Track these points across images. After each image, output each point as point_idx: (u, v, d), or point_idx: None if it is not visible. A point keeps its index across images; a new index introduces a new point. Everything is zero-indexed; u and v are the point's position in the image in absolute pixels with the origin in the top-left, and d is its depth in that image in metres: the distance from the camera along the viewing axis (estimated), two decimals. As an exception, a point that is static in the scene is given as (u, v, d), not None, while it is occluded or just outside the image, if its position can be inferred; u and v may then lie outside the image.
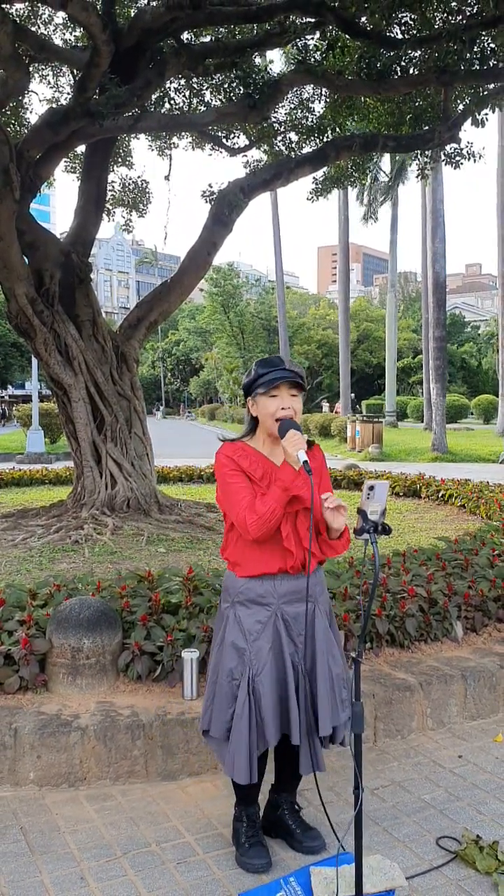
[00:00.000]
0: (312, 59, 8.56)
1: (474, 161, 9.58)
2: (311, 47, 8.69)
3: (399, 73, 8.40)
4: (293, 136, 10.50)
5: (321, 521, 2.78)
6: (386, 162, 32.30)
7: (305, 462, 2.56)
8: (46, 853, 2.90)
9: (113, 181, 11.33)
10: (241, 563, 2.76)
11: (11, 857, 2.87)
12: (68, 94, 10.58)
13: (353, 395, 45.66)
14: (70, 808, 3.22)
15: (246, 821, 2.88)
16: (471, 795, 3.34)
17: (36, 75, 10.60)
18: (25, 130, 9.94)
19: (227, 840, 2.95)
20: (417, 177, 11.56)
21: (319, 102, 10.25)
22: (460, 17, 8.19)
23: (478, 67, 8.03)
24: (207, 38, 9.40)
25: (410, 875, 2.72)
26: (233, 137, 10.86)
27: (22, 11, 9.68)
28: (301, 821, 2.97)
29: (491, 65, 8.04)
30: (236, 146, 10.80)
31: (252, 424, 2.83)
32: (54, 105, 10.34)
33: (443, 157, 9.85)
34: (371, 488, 2.45)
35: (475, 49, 7.90)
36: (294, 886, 2.51)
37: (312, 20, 8.10)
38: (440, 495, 10.57)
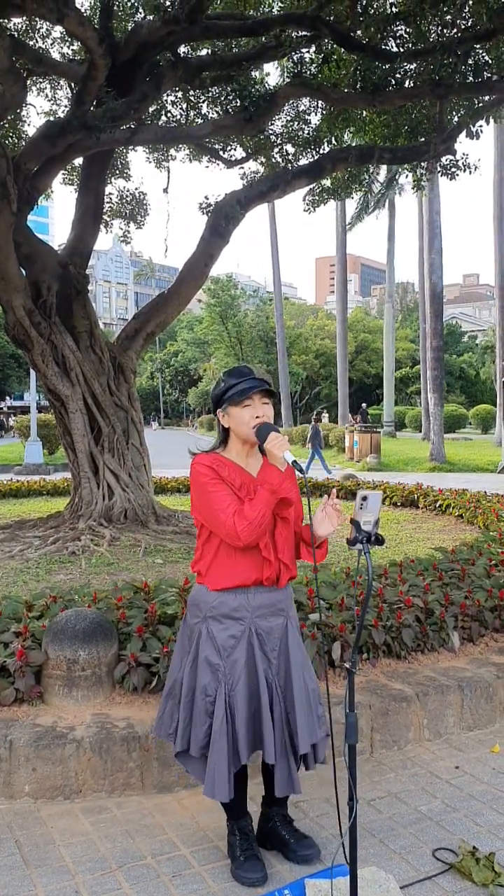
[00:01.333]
0: (308, 72, 8.63)
1: (470, 172, 9.65)
2: (306, 60, 8.75)
3: (394, 86, 8.46)
4: (290, 148, 10.56)
5: (306, 529, 2.79)
6: (383, 173, 32.45)
7: (294, 462, 2.55)
8: (41, 866, 2.88)
9: (111, 193, 11.39)
10: (217, 575, 2.72)
11: (6, 870, 2.85)
12: (66, 107, 10.65)
13: (363, 404, 45.67)
14: (65, 821, 3.20)
15: (239, 834, 2.85)
16: (468, 807, 3.33)
17: (34, 88, 10.68)
18: (23, 143, 9.99)
19: (223, 853, 2.93)
20: (413, 188, 11.62)
21: (316, 114, 10.32)
22: (455, 30, 8.26)
23: (472, 80, 8.08)
24: (204, 52, 9.46)
25: (405, 885, 2.71)
26: (230, 149, 10.93)
27: (20, 25, 9.76)
28: (294, 830, 2.95)
29: (485, 77, 8.10)
30: (233, 158, 10.87)
31: (223, 436, 2.80)
32: (52, 118, 10.40)
33: (439, 169, 9.92)
34: (364, 499, 2.46)
35: (469, 62, 7.96)
36: (289, 899, 2.50)
37: (308, 34, 8.17)
38: (438, 505, 10.58)
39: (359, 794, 3.25)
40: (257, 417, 2.67)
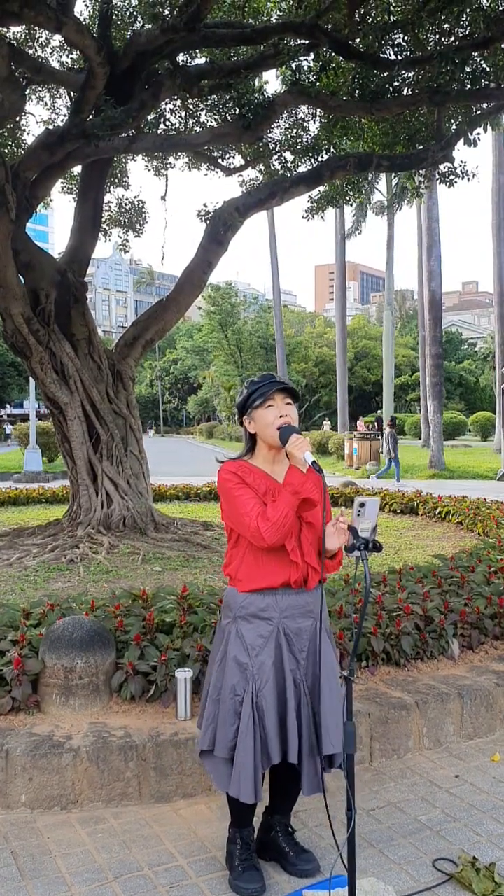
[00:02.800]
0: (306, 80, 8.64)
1: (468, 180, 9.65)
2: (304, 68, 8.76)
3: (392, 94, 8.47)
4: (288, 156, 10.58)
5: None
6: (382, 181, 32.56)
7: (314, 462, 2.57)
8: (37, 877, 2.85)
9: (109, 201, 11.40)
10: (245, 577, 2.75)
11: (1, 881, 2.83)
12: (65, 115, 10.68)
13: (379, 410, 45.48)
14: (62, 831, 3.18)
15: (240, 843, 2.83)
16: (468, 816, 3.30)
17: (32, 97, 10.70)
18: (22, 151, 10.01)
19: (221, 863, 2.90)
20: (412, 196, 11.64)
21: (314, 122, 10.35)
22: (452, 38, 8.29)
23: (470, 88, 8.10)
24: (202, 60, 9.48)
25: (405, 898, 2.69)
26: (228, 157, 10.95)
27: (19, 34, 9.79)
28: (295, 843, 2.93)
29: (483, 85, 8.12)
30: (232, 166, 10.89)
31: (250, 443, 2.85)
32: (50, 126, 10.41)
33: (437, 177, 9.94)
34: (362, 505, 2.45)
35: (467, 70, 7.97)
36: (287, 910, 2.47)
37: (306, 42, 8.19)
38: (437, 512, 10.56)
39: (358, 804, 3.23)
40: (281, 417, 2.71)
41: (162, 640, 4.05)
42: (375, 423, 40.00)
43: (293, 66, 8.72)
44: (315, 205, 10.73)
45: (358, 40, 8.23)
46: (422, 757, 3.90)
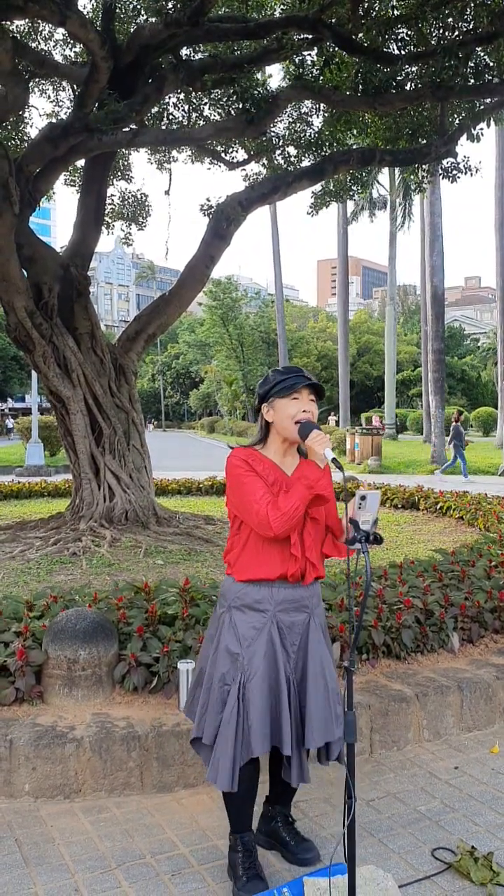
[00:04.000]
0: (310, 75, 8.65)
1: (471, 175, 9.66)
2: (308, 63, 8.77)
3: (395, 89, 8.48)
4: (291, 150, 10.58)
5: (338, 524, 2.82)
6: (383, 175, 32.52)
7: (334, 459, 2.58)
8: (41, 865, 2.89)
9: (112, 195, 11.41)
10: (243, 566, 2.74)
11: (5, 868, 2.86)
12: (68, 108, 10.68)
13: (382, 406, 45.32)
14: (65, 820, 3.21)
15: (242, 850, 2.78)
16: (466, 807, 3.34)
17: (36, 90, 10.70)
18: (25, 145, 10.02)
19: (222, 852, 2.94)
20: (414, 190, 11.64)
21: (317, 117, 10.34)
22: (456, 33, 8.28)
23: (473, 83, 8.11)
24: (206, 54, 9.48)
25: (404, 885, 2.72)
26: (231, 151, 10.95)
27: (22, 28, 9.79)
28: (295, 832, 2.96)
29: (486, 80, 8.12)
30: (235, 160, 10.89)
31: (264, 432, 2.82)
32: (54, 120, 10.41)
33: (440, 172, 9.93)
34: (363, 498, 2.47)
35: (471, 64, 7.98)
36: (288, 897, 2.50)
37: (310, 36, 8.19)
38: (438, 507, 10.59)
39: (358, 795, 3.27)
40: (303, 412, 2.70)
41: (164, 632, 4.08)
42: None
43: (296, 60, 8.73)
44: (318, 200, 10.74)
45: (361, 35, 8.22)
46: (421, 748, 3.93)
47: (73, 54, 10.24)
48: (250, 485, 2.67)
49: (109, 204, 11.08)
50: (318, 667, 2.76)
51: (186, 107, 10.45)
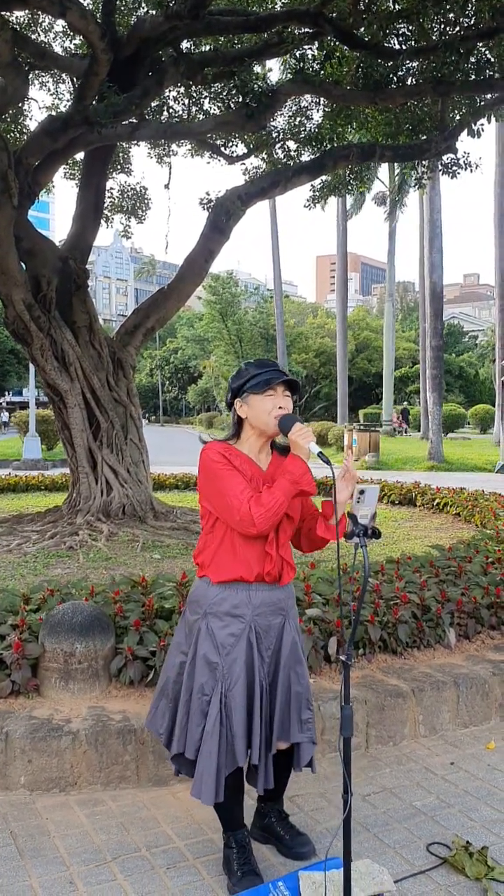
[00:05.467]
0: (310, 69, 8.62)
1: (471, 171, 9.64)
2: (308, 57, 8.74)
3: (396, 84, 8.46)
4: (291, 145, 10.57)
5: (316, 517, 2.77)
6: (383, 171, 32.48)
7: (320, 453, 2.53)
8: (36, 857, 2.89)
9: (112, 188, 11.39)
10: (219, 567, 2.66)
11: (1, 861, 2.86)
12: (68, 101, 10.64)
13: (406, 403, 45.23)
14: (60, 813, 3.21)
15: (236, 847, 2.76)
16: (462, 802, 3.34)
17: (35, 82, 10.67)
18: (25, 137, 9.98)
19: (217, 846, 2.93)
20: (414, 187, 11.62)
21: (318, 111, 10.32)
22: (457, 28, 8.26)
23: (474, 78, 8.09)
24: (206, 48, 9.45)
25: (399, 879, 2.72)
26: (231, 145, 10.92)
27: (22, 19, 9.75)
28: (290, 826, 2.96)
29: (487, 75, 8.10)
30: (235, 154, 10.86)
31: (237, 427, 2.77)
32: (53, 112, 10.39)
33: (440, 167, 9.92)
34: (361, 492, 2.46)
35: (472, 60, 7.96)
36: (283, 890, 2.50)
37: (310, 30, 8.16)
38: (435, 504, 10.59)
39: (354, 789, 3.26)
40: (279, 409, 2.65)
41: (161, 626, 4.08)
42: (400, 415, 40.10)
43: (297, 54, 8.70)
44: (317, 194, 10.72)
45: (362, 29, 8.19)
46: (417, 744, 3.93)
47: (73, 46, 10.20)
48: (229, 479, 2.60)
49: (109, 197, 11.06)
50: (287, 669, 2.72)
51: (186, 100, 10.41)
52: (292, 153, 10.57)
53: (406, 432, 39.18)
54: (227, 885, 2.71)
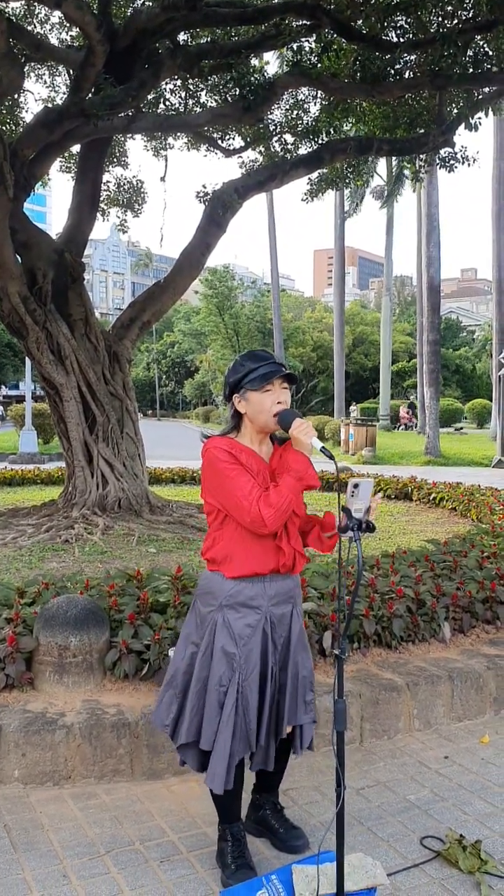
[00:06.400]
0: (307, 62, 8.58)
1: (468, 165, 9.62)
2: (306, 50, 8.70)
3: (394, 77, 8.42)
4: (289, 138, 10.52)
5: (309, 522, 2.80)
6: (381, 165, 32.38)
7: (322, 448, 2.53)
8: (29, 851, 2.89)
9: (108, 181, 11.33)
10: (234, 562, 2.66)
11: (-6, 854, 2.86)
12: (64, 93, 10.59)
13: (412, 397, 44.96)
14: (54, 807, 3.21)
15: (231, 840, 2.77)
16: (456, 796, 3.35)
17: (32, 74, 10.61)
18: (20, 129, 9.93)
19: (211, 839, 2.94)
20: (412, 181, 11.59)
21: (315, 104, 10.28)
22: (455, 20, 8.22)
23: (472, 71, 8.05)
24: (203, 40, 9.41)
25: (392, 872, 2.73)
26: (228, 138, 10.89)
27: (18, 10, 9.69)
28: (284, 819, 2.96)
29: (485, 69, 8.07)
30: (232, 147, 10.83)
31: (236, 421, 2.75)
32: (49, 104, 10.33)
33: (437, 161, 9.89)
34: (356, 486, 2.46)
35: (469, 53, 7.93)
36: (276, 884, 2.50)
37: (308, 23, 8.12)
38: (431, 498, 10.59)
39: (348, 783, 3.26)
40: (278, 403, 2.63)
41: (156, 620, 4.07)
42: (409, 410, 39.94)
43: (294, 47, 8.66)
44: (314, 187, 10.68)
45: (360, 21, 8.15)
46: (412, 738, 3.94)
47: (69, 38, 10.15)
48: (237, 479, 2.58)
49: (105, 190, 11.01)
50: (295, 656, 2.75)
51: (183, 93, 10.37)
52: (289, 146, 10.53)
53: (416, 427, 39.01)
54: (220, 878, 2.71)
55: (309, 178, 10.46)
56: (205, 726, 2.65)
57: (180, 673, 2.76)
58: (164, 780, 3.45)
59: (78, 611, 3.87)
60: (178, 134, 11.03)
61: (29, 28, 9.58)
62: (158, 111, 10.17)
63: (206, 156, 11.17)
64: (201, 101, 10.38)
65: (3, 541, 7.51)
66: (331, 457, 2.51)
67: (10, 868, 2.78)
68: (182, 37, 9.11)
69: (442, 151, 9.55)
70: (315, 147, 9.74)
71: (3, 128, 10.19)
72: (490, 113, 9.10)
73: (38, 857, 2.84)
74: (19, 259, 8.44)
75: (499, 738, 3.96)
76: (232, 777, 2.61)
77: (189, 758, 2.74)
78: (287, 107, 10.35)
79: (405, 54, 8.31)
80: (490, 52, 8.13)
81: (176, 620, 4.09)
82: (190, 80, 9.88)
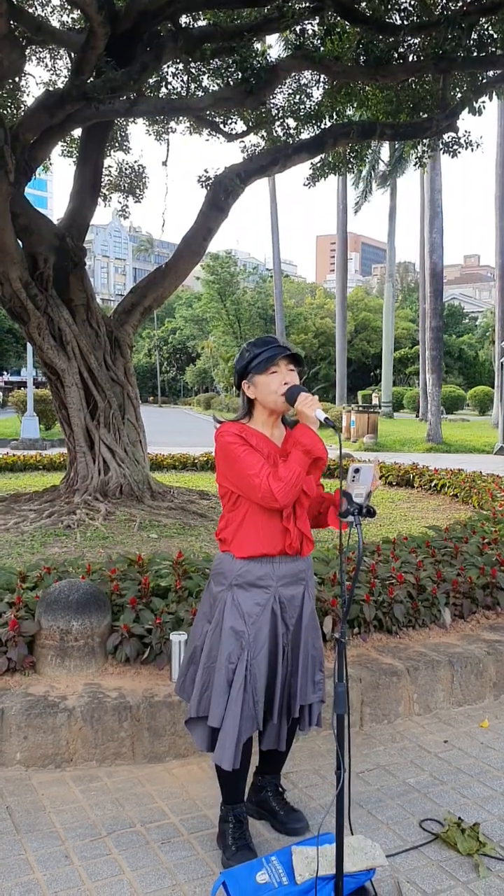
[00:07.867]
0: (310, 45, 8.51)
1: (472, 150, 9.56)
2: (309, 33, 8.63)
3: (397, 60, 8.35)
4: (291, 122, 10.45)
5: (323, 502, 2.85)
6: (385, 150, 32.17)
7: (327, 419, 2.54)
8: (31, 832, 2.91)
9: (109, 166, 11.27)
10: (243, 542, 2.70)
11: (-4, 835, 2.89)
12: (65, 77, 10.52)
13: (427, 381, 44.76)
14: (56, 789, 3.23)
15: (233, 821, 2.80)
16: (455, 779, 3.37)
17: (33, 57, 10.54)
18: (22, 113, 9.87)
19: (212, 822, 2.96)
20: (415, 166, 11.52)
21: (318, 88, 10.20)
22: (460, 3, 8.14)
23: (476, 55, 7.97)
24: (205, 22, 9.32)
25: (392, 854, 2.75)
26: (230, 123, 10.80)
27: (18, -8, 9.59)
28: (285, 802, 2.98)
29: (489, 52, 8.00)
30: (234, 131, 10.75)
31: (248, 407, 2.78)
32: (51, 88, 10.26)
33: (441, 146, 9.82)
34: (356, 471, 2.45)
35: (474, 36, 7.84)
36: (276, 865, 2.52)
37: (311, 5, 8.05)
38: (433, 485, 10.59)
39: (348, 767, 3.29)
40: (285, 384, 2.65)
41: (157, 604, 4.09)
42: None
43: (297, 30, 8.59)
44: (316, 172, 10.61)
45: (363, 4, 8.08)
46: (412, 722, 3.96)
47: (70, 20, 10.07)
48: (247, 458, 2.62)
49: (106, 175, 10.95)
50: (307, 637, 2.79)
51: (185, 77, 10.29)
52: (292, 131, 10.46)
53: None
54: (221, 859, 2.74)
55: (311, 163, 10.39)
56: (213, 703, 2.69)
57: (199, 650, 2.82)
58: (165, 763, 3.47)
59: (80, 595, 3.88)
60: (180, 118, 10.95)
61: (30, 10, 9.49)
62: (160, 95, 10.09)
63: (207, 140, 11.11)
64: (203, 84, 10.30)
65: (5, 526, 7.53)
66: (334, 426, 2.52)
67: (12, 849, 2.80)
68: (184, 19, 9.02)
69: (445, 136, 9.47)
70: (317, 132, 9.68)
71: (4, 111, 10.13)
72: (494, 97, 9.02)
73: (41, 839, 2.87)
74: (20, 244, 8.41)
75: (498, 723, 3.98)
76: (240, 756, 2.65)
77: (197, 736, 2.77)
78: (289, 91, 10.26)
79: (409, 37, 8.26)
80: (495, 35, 8.04)
81: (177, 605, 4.11)
82: (192, 64, 9.80)
